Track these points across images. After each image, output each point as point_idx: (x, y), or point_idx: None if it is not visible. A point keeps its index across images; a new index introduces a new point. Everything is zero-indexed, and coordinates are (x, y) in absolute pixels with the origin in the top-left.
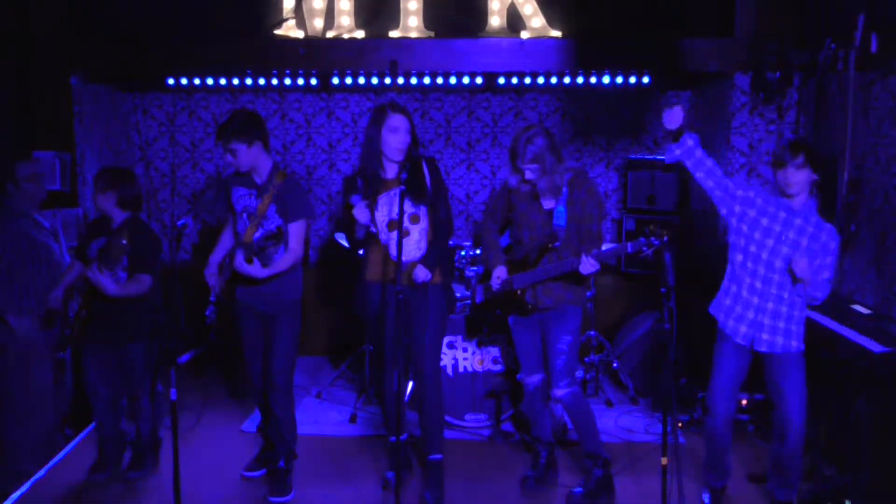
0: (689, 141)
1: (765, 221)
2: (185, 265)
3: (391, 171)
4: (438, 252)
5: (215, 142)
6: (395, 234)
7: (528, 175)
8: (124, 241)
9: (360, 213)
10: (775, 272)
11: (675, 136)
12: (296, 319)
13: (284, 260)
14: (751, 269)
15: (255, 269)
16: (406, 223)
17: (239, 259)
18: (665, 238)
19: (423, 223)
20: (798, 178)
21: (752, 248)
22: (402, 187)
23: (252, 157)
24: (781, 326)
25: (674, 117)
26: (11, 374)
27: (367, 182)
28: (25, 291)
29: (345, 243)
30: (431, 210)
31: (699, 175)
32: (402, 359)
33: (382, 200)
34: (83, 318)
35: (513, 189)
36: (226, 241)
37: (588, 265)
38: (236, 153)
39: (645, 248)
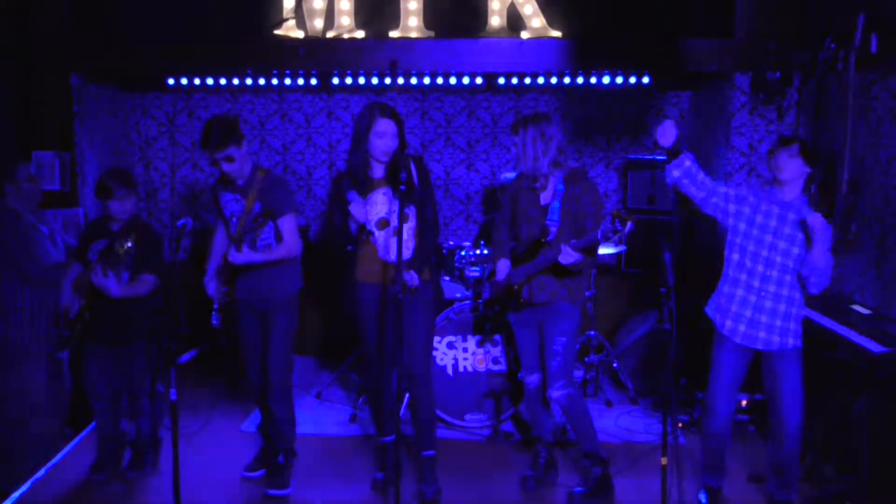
0: (687, 162)
1: (759, 219)
2: (183, 265)
3: (378, 170)
4: (426, 253)
5: (202, 153)
6: (383, 232)
7: (513, 149)
8: (130, 244)
9: (356, 209)
10: (774, 268)
11: (672, 154)
12: (291, 316)
13: (277, 250)
14: (749, 267)
15: (246, 255)
16: (395, 221)
17: (231, 252)
18: (629, 225)
19: (412, 222)
20: (791, 164)
21: (751, 247)
22: (401, 187)
23: (244, 157)
24: (778, 325)
25: (667, 133)
26: (4, 377)
27: (356, 181)
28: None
29: None
30: (419, 209)
31: (692, 190)
32: (399, 358)
33: (370, 199)
34: (85, 320)
35: (518, 187)
36: (218, 247)
37: (567, 255)
38: (233, 159)
39: (611, 235)
